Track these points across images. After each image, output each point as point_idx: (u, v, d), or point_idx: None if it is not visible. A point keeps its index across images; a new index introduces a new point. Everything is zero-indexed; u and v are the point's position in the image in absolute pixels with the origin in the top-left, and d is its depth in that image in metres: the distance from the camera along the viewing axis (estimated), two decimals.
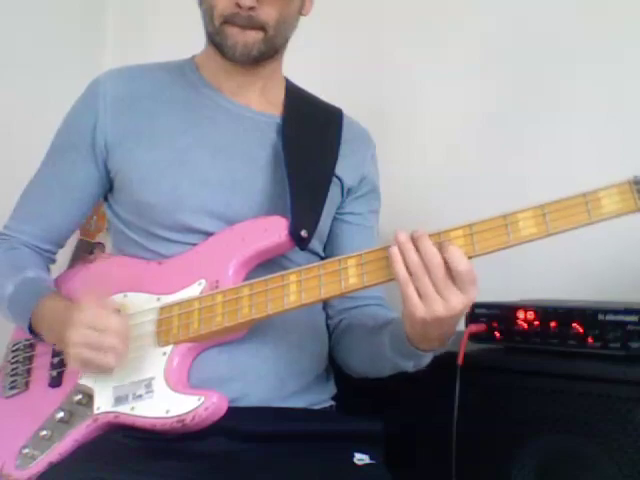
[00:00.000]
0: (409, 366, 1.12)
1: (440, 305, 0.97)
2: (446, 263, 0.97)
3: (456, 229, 0.99)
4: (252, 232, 1.17)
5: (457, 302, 0.97)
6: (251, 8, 1.17)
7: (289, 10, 1.22)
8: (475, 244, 0.98)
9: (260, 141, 1.26)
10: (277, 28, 1.21)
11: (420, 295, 0.97)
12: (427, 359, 1.11)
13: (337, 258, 1.07)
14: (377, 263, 1.03)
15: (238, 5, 1.17)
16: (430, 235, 0.98)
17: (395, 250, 0.99)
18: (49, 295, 1.22)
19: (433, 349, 1.07)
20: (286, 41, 1.27)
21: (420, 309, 0.97)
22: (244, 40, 1.20)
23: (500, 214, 0.98)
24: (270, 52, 1.24)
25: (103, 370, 1.11)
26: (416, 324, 1.00)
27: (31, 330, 1.22)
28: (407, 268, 0.98)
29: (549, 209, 0.96)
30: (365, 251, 1.04)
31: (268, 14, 1.19)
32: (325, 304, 1.31)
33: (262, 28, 1.20)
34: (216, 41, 1.23)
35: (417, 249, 0.98)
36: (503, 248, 0.98)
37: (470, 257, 0.98)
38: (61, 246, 1.34)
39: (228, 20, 1.19)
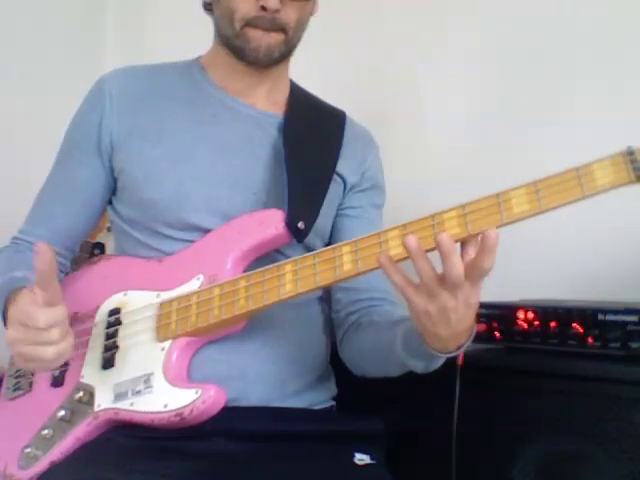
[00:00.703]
0: (419, 367, 1.10)
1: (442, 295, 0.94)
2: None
3: (449, 211, 0.98)
4: (249, 225, 1.17)
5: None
6: (276, 11, 1.17)
7: (306, 11, 1.24)
8: (468, 224, 0.96)
9: (262, 139, 1.26)
10: (296, 29, 1.22)
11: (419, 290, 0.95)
12: (439, 362, 1.07)
13: (331, 247, 1.07)
14: (371, 249, 1.01)
15: (263, 8, 1.17)
16: (424, 218, 0.97)
17: (384, 258, 0.96)
18: (20, 291, 1.16)
19: (448, 351, 1.03)
20: (297, 44, 1.27)
21: (422, 303, 0.95)
22: (267, 43, 1.20)
23: (493, 193, 0.97)
24: (288, 53, 1.26)
25: (48, 363, 1.06)
26: (421, 318, 0.97)
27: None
28: (423, 282, 0.95)
29: (542, 185, 0.95)
30: (358, 238, 1.03)
31: (290, 16, 1.20)
32: (330, 298, 1.31)
33: (283, 30, 1.20)
34: (235, 45, 1.23)
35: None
36: (497, 227, 0.95)
37: (464, 237, 0.96)
38: (72, 251, 1.33)
39: (250, 23, 1.19)
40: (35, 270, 1.03)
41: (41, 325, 1.03)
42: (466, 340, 1.03)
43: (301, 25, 1.24)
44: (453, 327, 0.98)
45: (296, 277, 1.07)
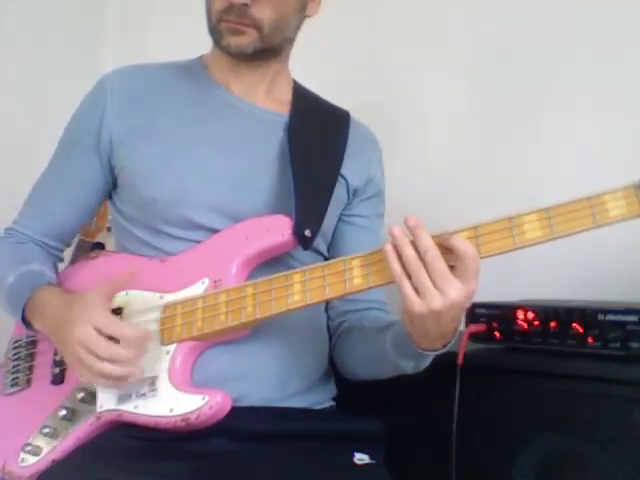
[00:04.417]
0: (409, 367, 1.12)
1: (438, 299, 0.95)
2: (447, 253, 0.96)
3: (461, 231, 0.98)
4: (255, 231, 1.17)
5: (456, 295, 0.95)
6: (244, 5, 1.17)
7: (286, 9, 1.22)
8: (480, 246, 0.97)
9: (267, 139, 1.26)
10: (273, 26, 1.21)
11: (417, 290, 0.96)
12: (427, 360, 1.11)
13: (341, 259, 1.07)
14: (382, 264, 1.02)
15: (231, 3, 1.18)
16: (433, 237, 0.97)
17: (389, 247, 0.98)
18: (47, 286, 1.21)
19: (435, 349, 1.06)
20: (286, 40, 1.27)
21: (417, 304, 0.96)
22: (237, 42, 1.21)
23: (505, 216, 0.98)
24: (269, 50, 1.24)
25: (90, 377, 1.10)
26: (414, 319, 0.99)
27: (25, 321, 1.22)
28: (403, 264, 0.97)
29: (554, 212, 0.96)
30: (369, 252, 1.04)
31: (262, 12, 1.19)
32: (327, 306, 1.31)
33: (256, 26, 1.20)
34: (214, 39, 1.25)
35: (413, 241, 0.97)
36: (508, 251, 0.97)
37: None
38: (67, 244, 1.35)
39: (222, 17, 1.20)
40: (116, 278, 1.13)
41: (103, 356, 1.07)
42: (451, 338, 1.05)
43: (280, 22, 1.22)
44: (443, 328, 1.01)
45: (305, 288, 1.07)
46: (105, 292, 1.12)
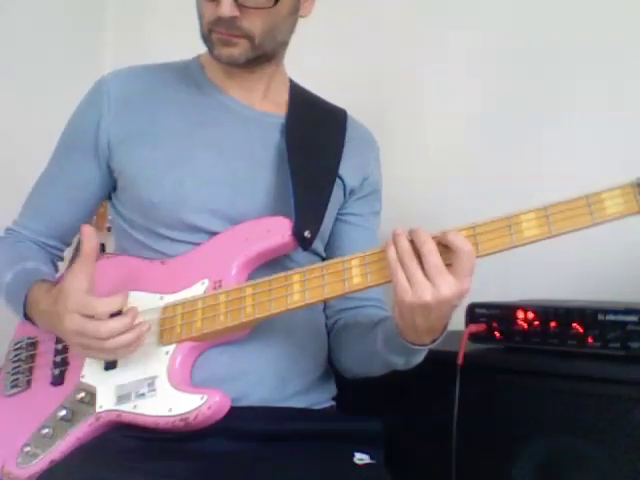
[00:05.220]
0: (400, 363, 1.12)
1: (429, 291, 0.96)
2: (446, 252, 0.97)
3: (459, 230, 0.99)
4: (255, 232, 1.17)
5: (447, 289, 0.96)
6: (233, 17, 1.16)
7: (276, 17, 1.20)
8: (478, 245, 0.99)
9: (264, 141, 1.26)
10: (264, 35, 1.20)
11: (409, 280, 0.97)
12: (417, 357, 1.11)
13: (340, 259, 1.07)
14: (380, 263, 1.03)
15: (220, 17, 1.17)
16: (433, 237, 0.98)
17: (389, 241, 1.00)
18: (37, 284, 1.21)
19: (423, 344, 1.07)
20: (280, 44, 1.26)
21: (409, 294, 0.97)
22: (228, 52, 1.20)
23: (503, 215, 0.98)
24: (262, 57, 1.24)
25: (107, 356, 1.12)
26: (404, 310, 1.00)
27: (28, 318, 1.23)
28: (398, 254, 0.99)
29: (552, 211, 0.97)
30: (368, 252, 1.05)
31: (252, 23, 1.18)
32: (324, 304, 1.31)
33: (247, 37, 1.19)
34: (207, 47, 1.24)
35: (411, 239, 0.99)
36: (506, 249, 0.98)
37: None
38: (67, 244, 1.36)
39: (213, 28, 1.19)
40: (81, 252, 1.10)
41: (102, 336, 1.08)
42: (440, 335, 1.06)
43: (271, 31, 1.20)
44: (431, 323, 1.01)
45: (304, 288, 1.08)
46: (80, 271, 1.11)
